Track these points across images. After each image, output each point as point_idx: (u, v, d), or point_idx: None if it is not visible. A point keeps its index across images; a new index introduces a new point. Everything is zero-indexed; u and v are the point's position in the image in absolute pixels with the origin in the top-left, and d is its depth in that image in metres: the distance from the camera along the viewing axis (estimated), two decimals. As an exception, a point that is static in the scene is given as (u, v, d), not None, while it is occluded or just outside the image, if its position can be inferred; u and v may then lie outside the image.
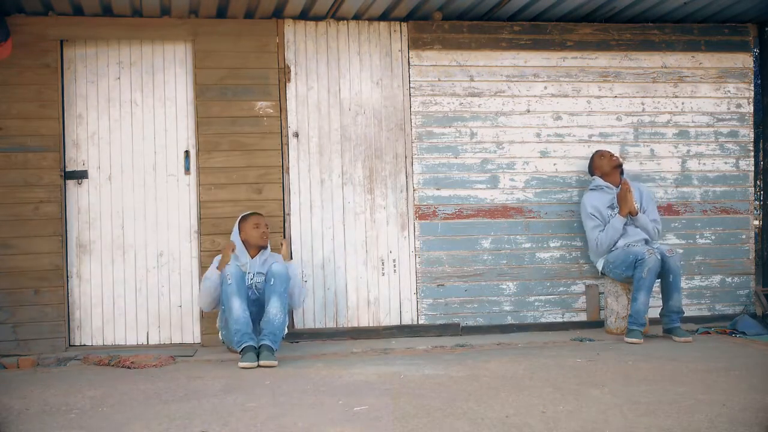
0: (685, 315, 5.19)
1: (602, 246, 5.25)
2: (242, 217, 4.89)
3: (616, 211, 5.27)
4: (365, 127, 5.40)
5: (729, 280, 5.74)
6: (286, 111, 5.30)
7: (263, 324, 4.52)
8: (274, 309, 4.52)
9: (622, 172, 5.39)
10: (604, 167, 5.37)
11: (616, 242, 5.22)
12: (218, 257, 4.81)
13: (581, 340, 5.10)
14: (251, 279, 4.72)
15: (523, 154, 5.53)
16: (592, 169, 5.46)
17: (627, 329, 5.03)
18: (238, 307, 4.49)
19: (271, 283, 4.57)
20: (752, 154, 5.85)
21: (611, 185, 5.34)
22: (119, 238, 5.17)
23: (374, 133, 5.41)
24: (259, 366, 4.33)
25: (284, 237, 5.20)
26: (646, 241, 5.26)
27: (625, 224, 5.22)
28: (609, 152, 5.40)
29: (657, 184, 5.64)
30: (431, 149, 5.43)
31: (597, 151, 5.45)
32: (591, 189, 5.40)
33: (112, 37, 5.15)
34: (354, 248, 5.36)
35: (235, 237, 4.86)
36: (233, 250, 4.73)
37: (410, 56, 5.42)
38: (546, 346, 4.96)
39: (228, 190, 5.18)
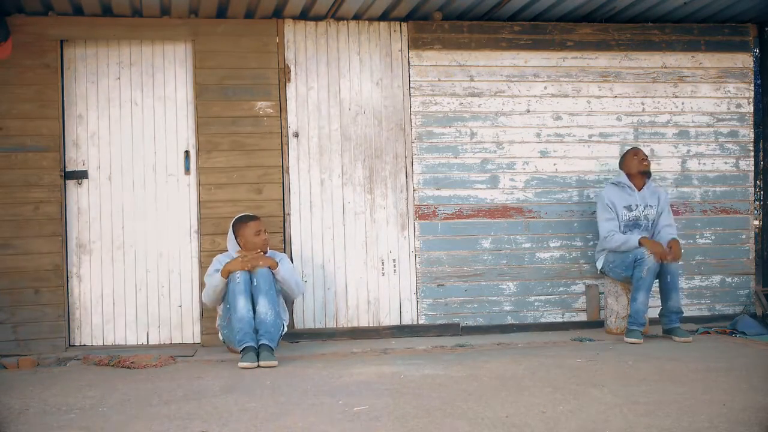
0: (685, 315, 5.20)
1: (609, 244, 5.19)
2: (239, 221, 4.87)
3: (637, 212, 5.23)
4: (365, 127, 5.40)
5: (729, 280, 5.74)
6: (286, 111, 5.30)
7: (257, 325, 4.53)
8: (263, 308, 4.54)
9: (648, 176, 5.30)
10: (632, 167, 5.29)
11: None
12: (220, 258, 4.80)
13: (581, 340, 5.10)
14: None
15: (523, 154, 5.53)
16: (621, 164, 5.39)
17: (627, 329, 5.03)
18: (242, 306, 4.52)
19: (255, 283, 4.60)
20: (752, 154, 5.85)
21: (633, 187, 5.27)
22: (119, 238, 5.17)
23: (374, 133, 5.41)
24: (259, 366, 4.34)
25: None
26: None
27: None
28: (643, 155, 5.30)
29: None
30: (431, 149, 5.43)
31: (632, 148, 5.37)
32: (612, 183, 5.34)
33: (112, 37, 5.14)
34: (354, 248, 5.36)
35: (230, 240, 4.86)
36: (251, 267, 4.63)
37: (410, 56, 5.42)
38: (546, 346, 4.96)
39: (228, 190, 5.18)
